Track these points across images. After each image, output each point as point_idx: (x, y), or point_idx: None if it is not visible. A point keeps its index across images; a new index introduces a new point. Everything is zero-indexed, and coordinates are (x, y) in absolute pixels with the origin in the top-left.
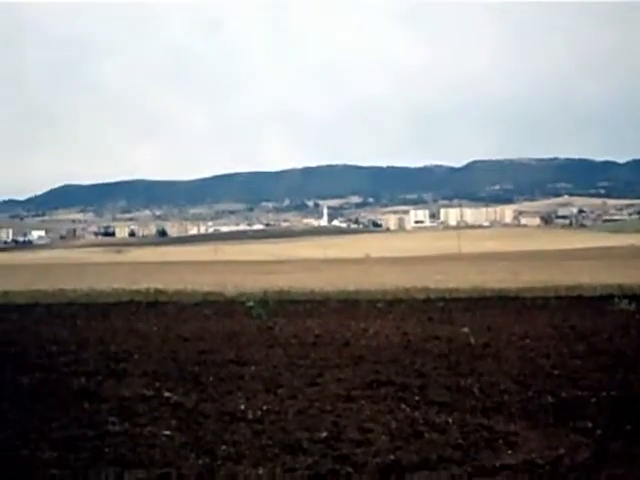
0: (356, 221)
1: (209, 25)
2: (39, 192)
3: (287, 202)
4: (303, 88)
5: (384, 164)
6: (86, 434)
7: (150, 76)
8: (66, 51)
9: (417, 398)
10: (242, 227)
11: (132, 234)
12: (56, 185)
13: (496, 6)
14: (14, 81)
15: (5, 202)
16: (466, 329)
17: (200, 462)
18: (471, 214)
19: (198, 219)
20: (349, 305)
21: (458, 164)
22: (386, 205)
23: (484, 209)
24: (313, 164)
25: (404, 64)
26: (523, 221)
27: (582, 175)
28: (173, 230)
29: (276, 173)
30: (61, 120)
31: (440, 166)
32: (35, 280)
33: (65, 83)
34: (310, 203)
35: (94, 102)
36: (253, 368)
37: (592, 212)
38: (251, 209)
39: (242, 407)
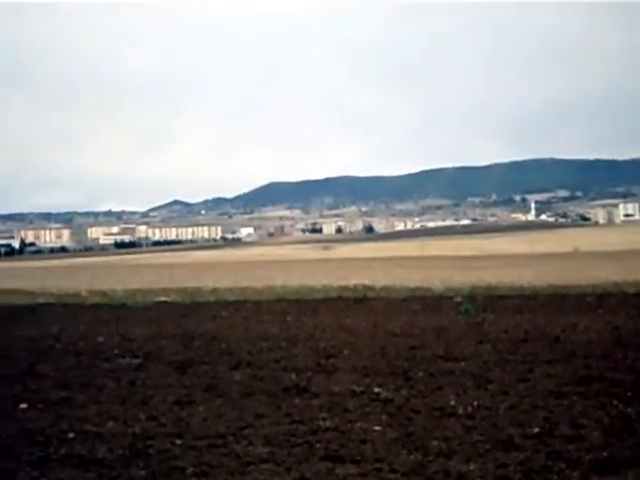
0: (564, 215)
1: (408, 17)
2: (247, 190)
3: (494, 197)
4: (508, 82)
5: (592, 157)
6: (298, 430)
7: (353, 71)
8: (266, 48)
9: (630, 394)
10: (449, 222)
11: (339, 230)
12: (263, 183)
13: None
14: (220, 81)
15: (214, 200)
16: None
17: (412, 458)
18: None
19: (405, 215)
20: (558, 300)
21: None
22: (594, 199)
23: None
24: (520, 158)
25: (607, 52)
26: None
27: None
28: (380, 226)
29: (483, 168)
30: (266, 118)
31: None
32: (244, 277)
33: (268, 80)
34: (517, 198)
35: (299, 99)
36: (463, 364)
37: None
38: (458, 204)
39: (452, 403)
